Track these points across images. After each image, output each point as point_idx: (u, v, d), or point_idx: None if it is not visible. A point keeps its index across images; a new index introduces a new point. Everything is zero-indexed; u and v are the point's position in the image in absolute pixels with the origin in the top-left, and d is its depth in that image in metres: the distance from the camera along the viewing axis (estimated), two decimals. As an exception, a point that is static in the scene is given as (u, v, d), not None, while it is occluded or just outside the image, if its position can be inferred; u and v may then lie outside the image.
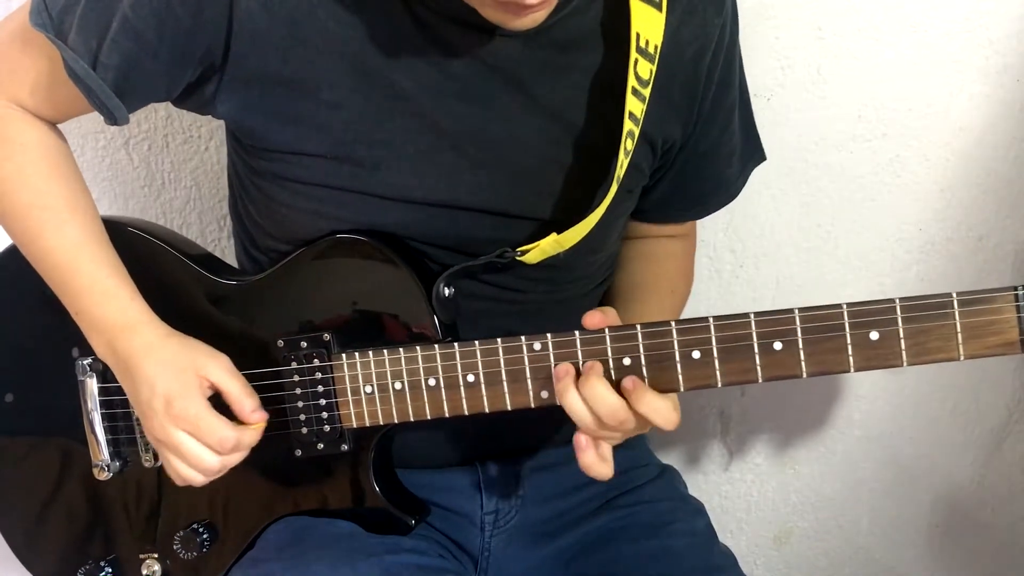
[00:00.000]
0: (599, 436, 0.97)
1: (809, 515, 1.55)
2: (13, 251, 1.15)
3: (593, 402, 0.93)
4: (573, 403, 0.94)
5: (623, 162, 1.01)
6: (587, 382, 0.93)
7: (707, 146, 1.11)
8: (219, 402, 1.01)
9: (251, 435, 1.01)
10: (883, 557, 1.54)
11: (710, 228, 1.35)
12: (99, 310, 1.02)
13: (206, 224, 1.53)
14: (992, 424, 1.43)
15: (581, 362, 0.96)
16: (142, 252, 1.10)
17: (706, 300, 1.44)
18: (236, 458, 1.01)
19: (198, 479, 1.01)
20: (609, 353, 0.95)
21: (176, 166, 1.50)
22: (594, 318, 0.96)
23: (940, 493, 1.49)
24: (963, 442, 1.45)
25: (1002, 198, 1.32)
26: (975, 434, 1.44)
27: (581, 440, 0.97)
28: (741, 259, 1.43)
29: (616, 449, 1.18)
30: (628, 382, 0.94)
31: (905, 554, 1.53)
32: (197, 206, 1.52)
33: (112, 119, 1.01)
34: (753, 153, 1.20)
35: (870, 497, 1.51)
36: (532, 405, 0.99)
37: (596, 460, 0.97)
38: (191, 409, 0.98)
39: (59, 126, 1.09)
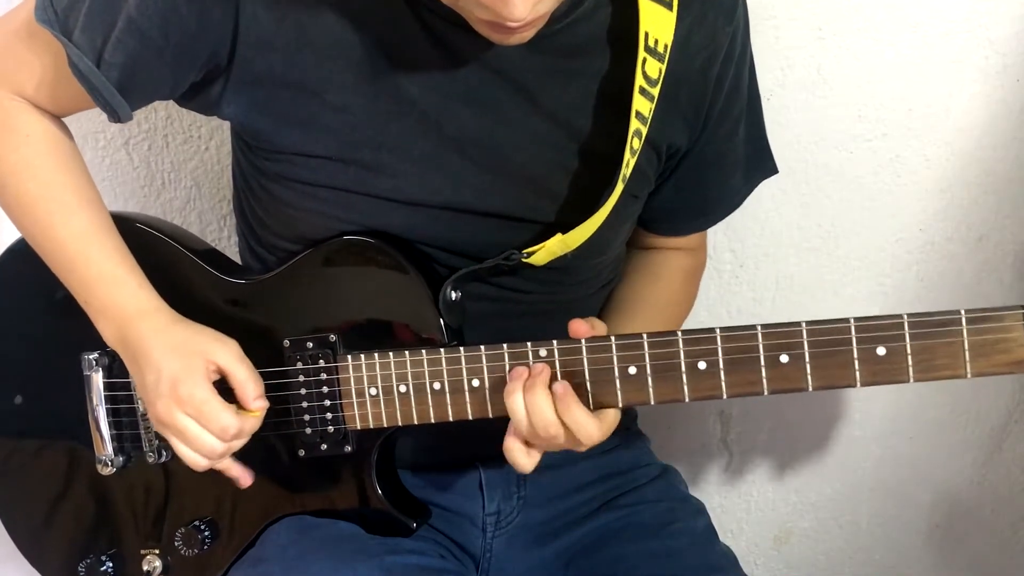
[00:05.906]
0: (530, 441, 0.98)
1: (809, 515, 1.55)
2: (13, 253, 1.16)
3: (532, 411, 0.95)
4: (515, 405, 0.95)
5: (629, 161, 1.01)
6: (532, 390, 0.94)
7: (712, 154, 1.11)
8: (223, 387, 1.01)
9: (252, 422, 1.01)
10: (883, 557, 1.55)
11: (710, 228, 1.34)
12: (109, 298, 1.03)
13: (206, 224, 1.53)
14: (992, 424, 1.44)
15: (587, 370, 0.96)
16: (151, 248, 1.10)
17: (706, 300, 1.44)
18: (239, 444, 1.01)
19: (202, 463, 1.01)
20: (615, 362, 0.95)
21: (176, 166, 1.50)
22: (580, 327, 0.96)
23: (940, 493, 1.49)
24: (963, 442, 1.45)
25: (1002, 198, 1.33)
26: (975, 434, 1.45)
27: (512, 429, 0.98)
28: (741, 259, 1.42)
29: (617, 450, 1.19)
30: (559, 387, 0.94)
31: (905, 554, 1.54)
32: (197, 206, 1.52)
33: (115, 117, 1.01)
34: (761, 165, 1.18)
35: (870, 497, 1.52)
36: None
37: (520, 449, 0.98)
38: (197, 394, 0.98)
39: (60, 123, 1.09)
